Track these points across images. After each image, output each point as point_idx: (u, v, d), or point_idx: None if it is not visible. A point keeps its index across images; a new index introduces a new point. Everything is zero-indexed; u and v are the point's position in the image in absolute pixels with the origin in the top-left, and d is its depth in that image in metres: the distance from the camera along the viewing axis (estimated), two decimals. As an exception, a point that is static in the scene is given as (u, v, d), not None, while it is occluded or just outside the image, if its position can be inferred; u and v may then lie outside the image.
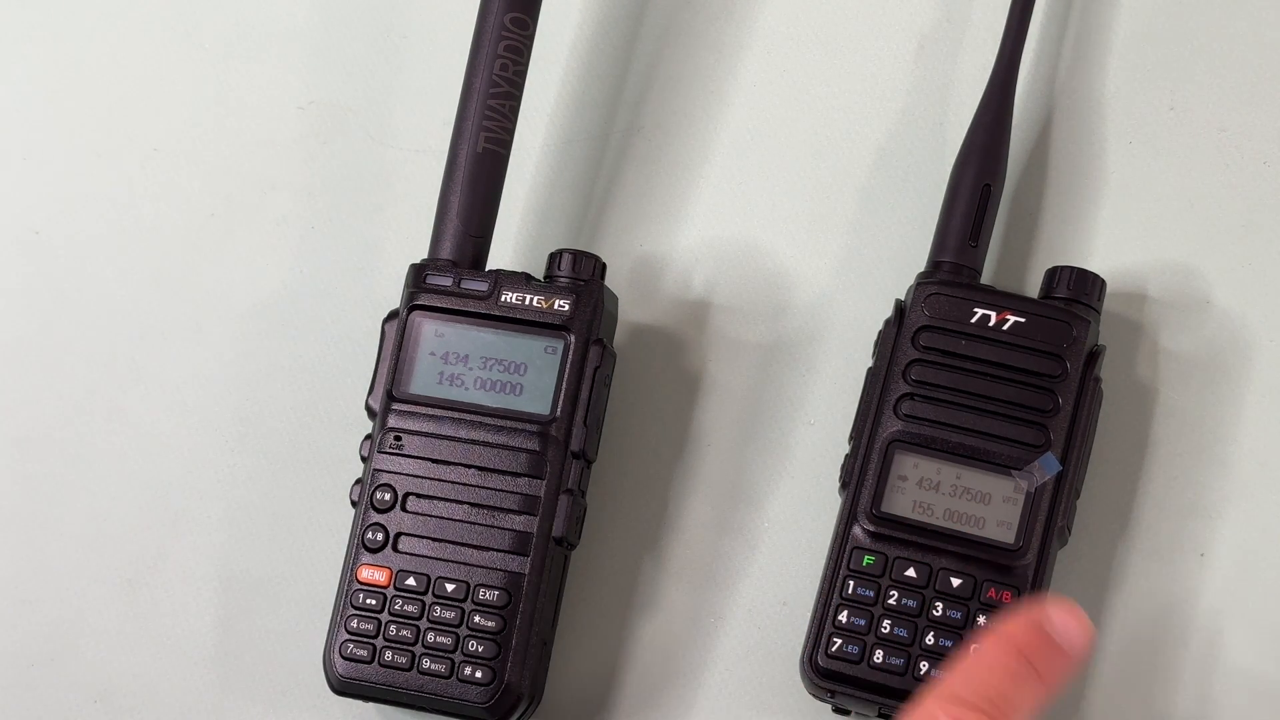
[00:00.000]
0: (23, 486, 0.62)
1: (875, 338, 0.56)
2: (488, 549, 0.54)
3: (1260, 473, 0.57)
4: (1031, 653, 0.45)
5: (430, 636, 0.54)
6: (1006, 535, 0.53)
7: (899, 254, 0.60)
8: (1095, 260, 0.59)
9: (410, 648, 0.54)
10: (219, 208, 0.64)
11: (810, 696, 0.55)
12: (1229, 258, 0.59)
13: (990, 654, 0.45)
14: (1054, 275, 0.56)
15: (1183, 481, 0.57)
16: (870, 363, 0.56)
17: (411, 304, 0.56)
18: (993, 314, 0.54)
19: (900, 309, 0.55)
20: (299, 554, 0.60)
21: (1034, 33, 0.60)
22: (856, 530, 0.54)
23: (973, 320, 0.54)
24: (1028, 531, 0.53)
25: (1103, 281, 0.56)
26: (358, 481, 0.56)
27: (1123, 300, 0.59)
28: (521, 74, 0.58)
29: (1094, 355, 0.54)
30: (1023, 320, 0.54)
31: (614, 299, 0.58)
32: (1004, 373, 0.54)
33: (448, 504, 0.55)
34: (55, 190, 0.65)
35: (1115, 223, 0.60)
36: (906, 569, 0.53)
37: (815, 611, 0.54)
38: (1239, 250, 0.59)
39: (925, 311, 0.55)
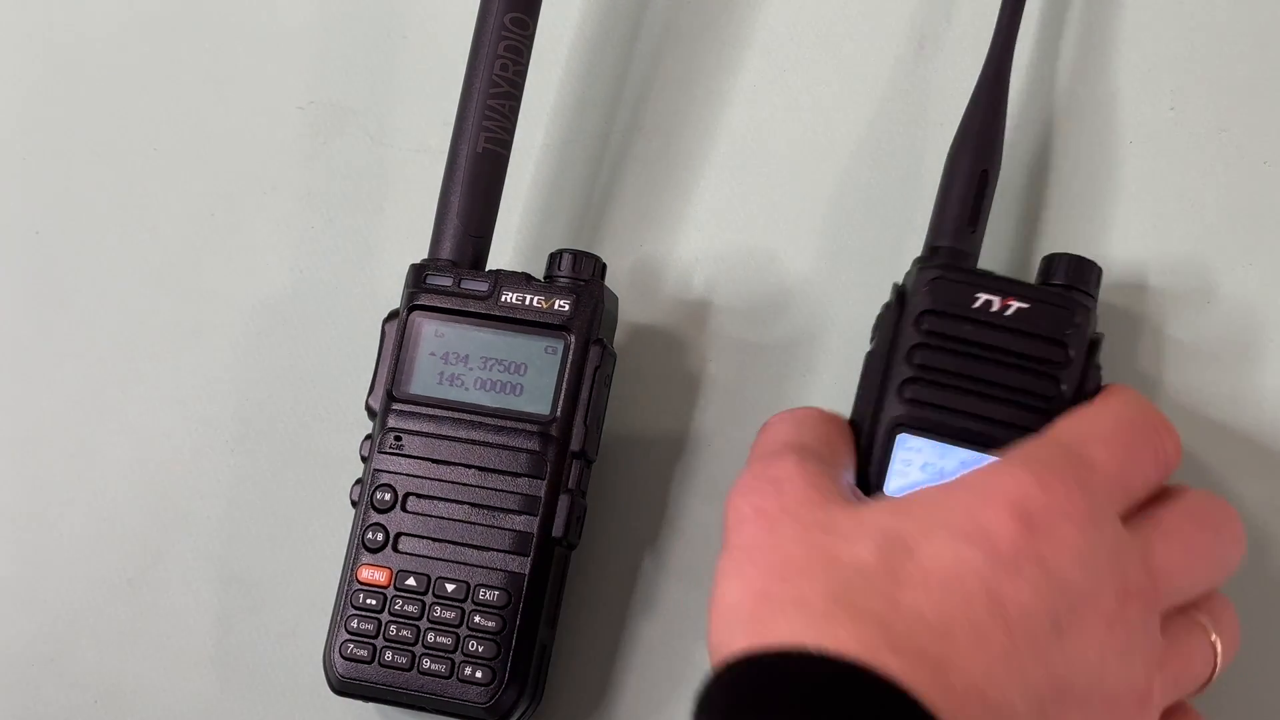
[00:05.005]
0: (23, 486, 0.62)
1: (874, 321, 0.55)
2: (488, 549, 0.54)
3: (1260, 473, 0.57)
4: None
5: (430, 636, 0.54)
6: None
7: (899, 254, 0.60)
8: (1094, 259, 0.59)
9: (410, 648, 0.54)
10: (219, 208, 0.64)
11: (810, 696, 0.55)
12: (1229, 258, 0.59)
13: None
14: (1051, 262, 0.56)
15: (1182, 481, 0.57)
16: (870, 346, 0.56)
17: (411, 304, 0.56)
18: (996, 299, 0.53)
19: (900, 293, 0.55)
20: (299, 554, 0.60)
21: (1034, 32, 0.60)
22: None
23: (975, 305, 0.53)
24: None
25: (1099, 269, 0.56)
26: (358, 481, 0.56)
27: (1123, 300, 0.59)
28: (522, 74, 0.58)
29: (1095, 343, 0.54)
30: (1026, 306, 0.53)
31: (614, 299, 0.58)
32: (1008, 358, 0.53)
33: (448, 504, 0.55)
34: (55, 190, 0.65)
35: (1115, 223, 0.60)
36: None
37: (815, 611, 0.54)
38: (1239, 251, 0.59)
39: (927, 296, 0.54)
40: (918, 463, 0.53)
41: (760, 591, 0.44)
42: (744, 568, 0.45)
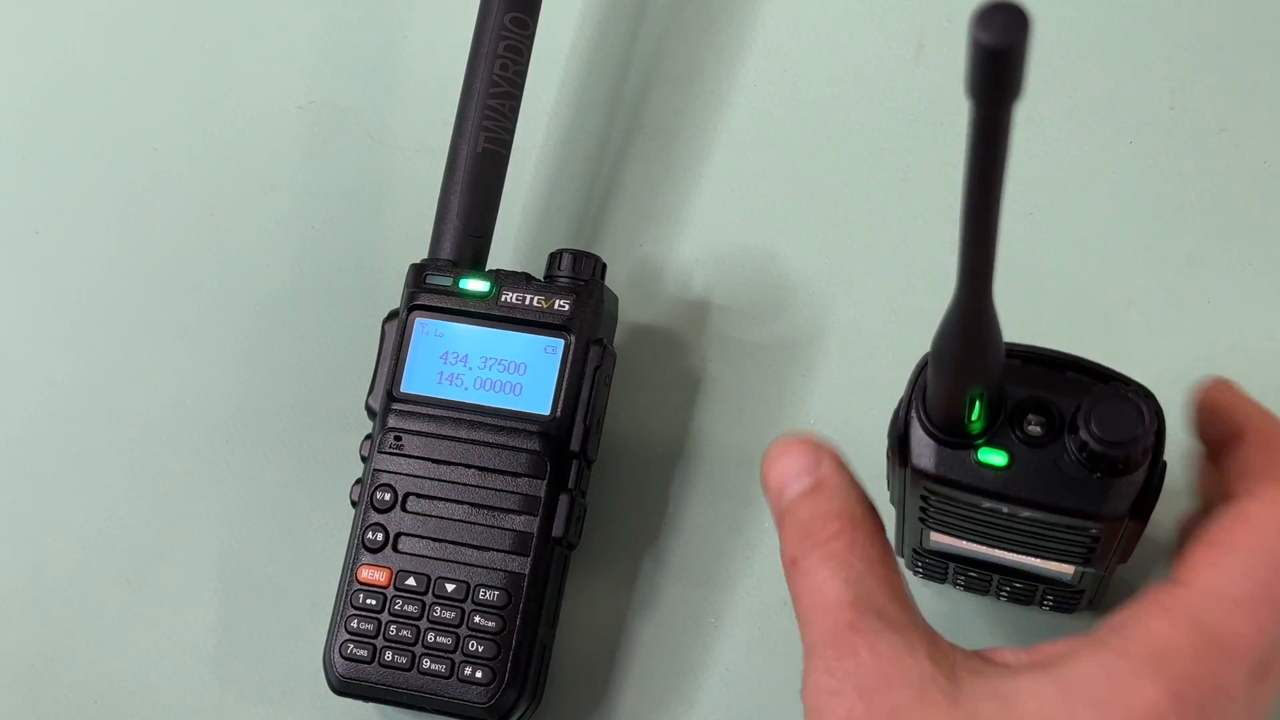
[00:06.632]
0: (23, 486, 0.62)
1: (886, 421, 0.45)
2: (488, 549, 0.54)
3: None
4: None
5: (430, 637, 0.54)
6: None
7: (899, 254, 0.60)
8: (1094, 259, 0.59)
9: (410, 648, 0.54)
10: (219, 208, 0.64)
11: (810, 696, 0.55)
12: (1229, 258, 0.59)
13: None
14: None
15: (1182, 481, 0.57)
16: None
17: (411, 304, 0.56)
18: (1003, 507, 0.43)
19: (901, 448, 0.43)
20: (299, 554, 0.60)
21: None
22: None
23: (983, 507, 0.44)
24: None
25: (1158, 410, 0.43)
26: (358, 481, 0.56)
27: (1122, 301, 0.59)
28: (521, 74, 0.58)
29: (1158, 475, 0.43)
30: (1040, 517, 0.43)
31: (614, 299, 0.58)
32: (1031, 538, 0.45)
33: (448, 504, 0.55)
34: (55, 190, 0.65)
35: (1114, 223, 0.60)
36: None
37: (815, 612, 0.54)
38: (1239, 250, 0.59)
39: (925, 492, 0.44)
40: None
41: None
42: None
